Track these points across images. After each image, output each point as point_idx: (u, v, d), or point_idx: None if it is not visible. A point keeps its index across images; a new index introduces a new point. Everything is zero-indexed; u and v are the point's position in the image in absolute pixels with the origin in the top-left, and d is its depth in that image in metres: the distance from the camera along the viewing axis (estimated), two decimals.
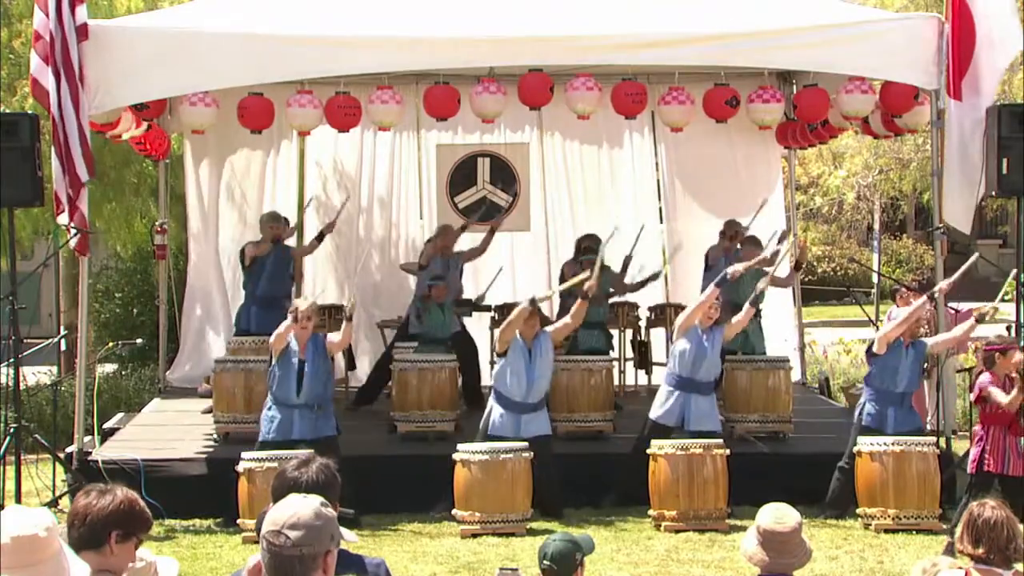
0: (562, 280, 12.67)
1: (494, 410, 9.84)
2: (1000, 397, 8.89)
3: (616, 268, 12.27)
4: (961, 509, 8.78)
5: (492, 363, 11.64)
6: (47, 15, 9.37)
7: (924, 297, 9.84)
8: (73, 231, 9.81)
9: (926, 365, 11.49)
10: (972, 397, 9.40)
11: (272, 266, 12.06)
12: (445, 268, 12.39)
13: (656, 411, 10.12)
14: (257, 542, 3.46)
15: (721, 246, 12.49)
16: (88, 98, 9.58)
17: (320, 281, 14.47)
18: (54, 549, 3.13)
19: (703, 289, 12.37)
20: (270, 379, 9.67)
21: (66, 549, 3.20)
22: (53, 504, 9.70)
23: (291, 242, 13.33)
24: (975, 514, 4.87)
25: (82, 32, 9.52)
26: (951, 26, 9.96)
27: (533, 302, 9.85)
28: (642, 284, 12.51)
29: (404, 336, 12.44)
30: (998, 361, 8.90)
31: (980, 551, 4.80)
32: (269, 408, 9.70)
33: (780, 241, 11.79)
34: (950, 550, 8.35)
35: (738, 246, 12.23)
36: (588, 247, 12.39)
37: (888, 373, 9.79)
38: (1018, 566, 4.83)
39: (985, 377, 9.01)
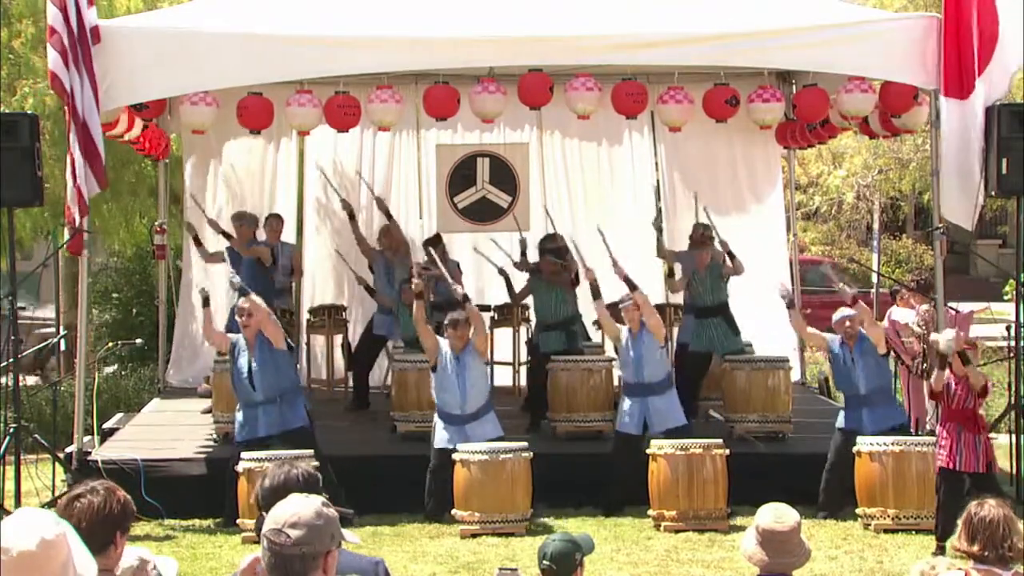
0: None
1: (437, 424, 9.87)
2: (934, 380, 8.92)
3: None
4: (939, 510, 8.80)
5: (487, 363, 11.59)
6: (63, 12, 9.31)
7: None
8: (73, 231, 9.80)
9: (924, 365, 11.50)
10: (927, 394, 9.43)
11: (249, 267, 12.09)
12: (388, 267, 12.42)
13: (618, 423, 10.21)
14: (256, 542, 3.46)
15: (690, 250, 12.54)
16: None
17: (320, 281, 14.46)
18: (61, 560, 3.10)
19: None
20: (232, 380, 9.80)
21: (76, 549, 3.17)
22: (52, 504, 9.70)
23: (289, 238, 13.36)
24: (972, 512, 4.87)
25: (94, 34, 9.52)
26: (944, 24, 9.95)
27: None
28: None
29: (368, 336, 12.51)
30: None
31: (975, 548, 4.79)
32: (238, 409, 9.84)
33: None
34: (940, 552, 8.39)
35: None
36: (546, 248, 12.33)
37: (842, 378, 9.94)
38: (1017, 566, 4.82)
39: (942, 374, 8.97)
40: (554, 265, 12.01)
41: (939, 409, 9.99)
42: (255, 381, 9.63)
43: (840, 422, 9.98)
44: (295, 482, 4.08)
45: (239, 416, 9.82)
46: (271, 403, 9.66)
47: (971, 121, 9.96)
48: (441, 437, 9.80)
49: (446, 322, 10.05)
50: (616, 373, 12.36)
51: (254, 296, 9.74)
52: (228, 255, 12.43)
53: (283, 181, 14.32)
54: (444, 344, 9.95)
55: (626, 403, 10.16)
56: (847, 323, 9.94)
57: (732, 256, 11.77)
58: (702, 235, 12.23)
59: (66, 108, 9.52)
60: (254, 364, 9.62)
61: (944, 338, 8.74)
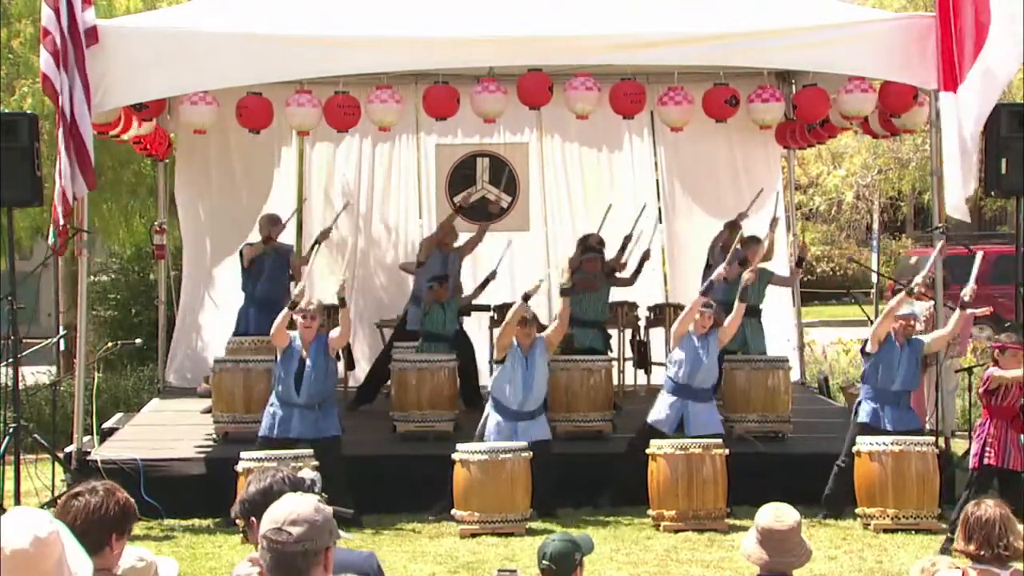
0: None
1: (491, 417, 9.84)
2: (1005, 373, 8.81)
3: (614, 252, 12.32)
4: (961, 506, 8.76)
5: (491, 363, 11.61)
6: (56, 13, 9.31)
7: (903, 292, 9.87)
8: (66, 230, 9.76)
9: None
10: (980, 390, 9.35)
11: (270, 268, 12.09)
12: (444, 265, 12.40)
13: (654, 416, 10.13)
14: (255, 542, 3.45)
15: (721, 239, 12.55)
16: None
17: (320, 282, 14.44)
18: (55, 558, 3.10)
19: (702, 286, 12.44)
20: (274, 376, 9.73)
21: (69, 547, 3.17)
22: (52, 504, 9.69)
23: (286, 239, 13.34)
24: (970, 512, 4.89)
25: (91, 35, 9.50)
26: (939, 18, 9.89)
27: (526, 297, 9.87)
28: (638, 269, 12.48)
29: (401, 335, 12.46)
30: (998, 359, 8.88)
31: (972, 548, 4.81)
32: (271, 404, 9.75)
33: (771, 228, 11.91)
34: (947, 548, 8.38)
35: (738, 245, 12.24)
36: (591, 246, 12.37)
37: (883, 371, 9.81)
38: (1016, 565, 4.83)
39: (992, 369, 8.95)
40: (599, 263, 12.05)
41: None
42: (303, 385, 9.56)
43: (863, 416, 9.83)
44: (281, 484, 4.06)
45: (270, 411, 9.70)
46: (309, 408, 9.60)
47: (963, 114, 9.86)
48: (492, 431, 9.73)
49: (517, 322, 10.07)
50: (615, 373, 12.47)
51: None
52: (249, 254, 12.35)
53: (283, 181, 14.32)
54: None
55: (668, 399, 10.07)
56: (912, 321, 9.93)
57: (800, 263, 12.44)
58: (750, 236, 12.25)
59: (56, 109, 9.51)
60: (307, 368, 9.56)
61: None
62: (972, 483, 8.85)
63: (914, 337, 9.98)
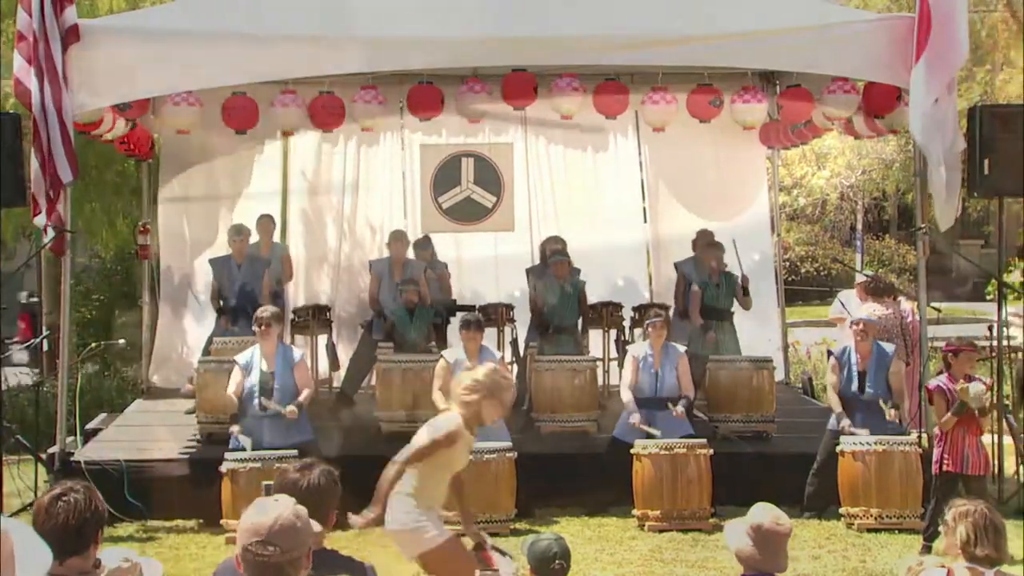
0: (529, 280, 12.74)
1: None
2: (938, 415, 8.82)
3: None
4: (930, 512, 8.78)
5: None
6: (30, 15, 9.31)
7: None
8: (51, 231, 9.73)
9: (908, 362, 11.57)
10: (926, 397, 9.39)
11: (244, 276, 12.11)
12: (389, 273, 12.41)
13: (619, 429, 10.15)
14: None
15: (693, 257, 12.64)
16: (71, 98, 9.53)
17: (303, 281, 14.43)
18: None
19: (679, 303, 12.52)
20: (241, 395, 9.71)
21: (19, 548, 3.13)
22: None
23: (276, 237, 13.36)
24: (987, 516, 4.84)
25: (72, 33, 9.46)
26: (918, 25, 9.80)
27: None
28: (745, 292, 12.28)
29: (368, 340, 12.52)
30: (952, 363, 8.84)
31: (991, 552, 4.79)
32: (240, 417, 9.72)
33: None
34: (927, 551, 8.40)
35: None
36: (557, 250, 12.37)
37: (846, 381, 9.91)
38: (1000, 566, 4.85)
39: (939, 379, 8.86)
40: (566, 266, 12.03)
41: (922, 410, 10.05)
42: (273, 398, 9.56)
43: (833, 424, 9.99)
44: (312, 484, 4.26)
45: (237, 426, 9.69)
46: (277, 417, 9.59)
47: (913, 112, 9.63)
48: None
49: (460, 325, 10.06)
50: (600, 373, 12.47)
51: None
52: (217, 267, 12.38)
53: (267, 183, 14.29)
54: (454, 353, 9.98)
55: (631, 415, 10.07)
56: (861, 325, 9.98)
57: (746, 292, 12.04)
58: (711, 241, 12.28)
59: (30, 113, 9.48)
60: (276, 382, 9.54)
61: (974, 390, 8.58)
62: (935, 491, 8.84)
63: (880, 343, 10.03)
